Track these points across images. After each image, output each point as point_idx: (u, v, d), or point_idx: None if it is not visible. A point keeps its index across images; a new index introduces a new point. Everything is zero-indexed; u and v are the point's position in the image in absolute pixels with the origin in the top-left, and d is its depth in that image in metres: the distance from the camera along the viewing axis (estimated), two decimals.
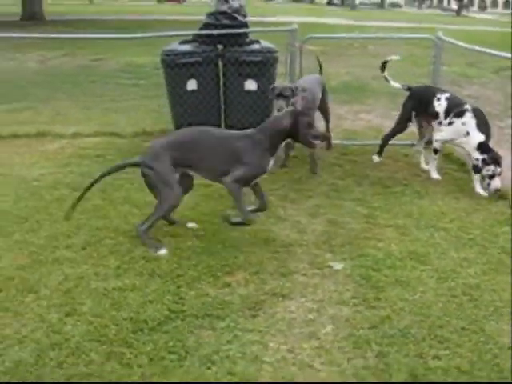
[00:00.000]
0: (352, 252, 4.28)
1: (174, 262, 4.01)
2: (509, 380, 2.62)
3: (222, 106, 7.13)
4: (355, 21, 31.83)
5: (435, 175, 5.98)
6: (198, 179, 4.56)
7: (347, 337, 3.27)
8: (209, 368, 2.95)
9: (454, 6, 63.42)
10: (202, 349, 3.10)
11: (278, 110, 5.47)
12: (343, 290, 3.76)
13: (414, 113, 6.21)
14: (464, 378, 2.95)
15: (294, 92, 5.57)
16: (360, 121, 8.69)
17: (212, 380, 2.87)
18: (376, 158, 6.42)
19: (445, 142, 5.92)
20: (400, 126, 6.36)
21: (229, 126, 7.07)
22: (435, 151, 5.96)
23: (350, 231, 4.64)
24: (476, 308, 3.62)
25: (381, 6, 69.71)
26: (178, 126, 7.13)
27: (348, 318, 3.46)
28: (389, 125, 7.97)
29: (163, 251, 4.14)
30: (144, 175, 4.27)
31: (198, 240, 4.36)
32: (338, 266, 4.07)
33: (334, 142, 6.78)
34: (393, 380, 2.92)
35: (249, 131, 4.35)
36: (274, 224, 4.72)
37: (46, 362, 3.00)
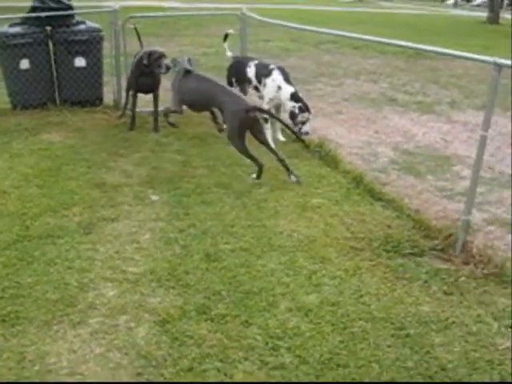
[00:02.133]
0: (169, 187, 5.31)
1: (19, 204, 4.81)
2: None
3: (56, 82, 7.84)
4: (188, 4, 32.63)
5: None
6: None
7: (160, 238, 4.32)
8: (52, 266, 3.85)
9: None
10: (46, 256, 3.98)
11: (175, 65, 6.31)
12: (160, 212, 4.79)
13: (234, 79, 7.21)
14: (243, 254, 4.10)
15: None
16: None
17: (55, 274, 3.77)
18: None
19: (271, 102, 6.68)
20: None
21: (63, 101, 7.82)
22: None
23: (168, 173, 5.67)
24: (261, 213, 4.82)
25: None
26: (14, 105, 7.75)
27: (162, 228, 4.51)
28: None
29: None
30: None
31: (39, 188, 5.17)
32: (156, 197, 5.09)
33: (161, 109, 7.67)
34: (193, 259, 4.00)
35: None
36: (105, 173, 5.63)
37: None
